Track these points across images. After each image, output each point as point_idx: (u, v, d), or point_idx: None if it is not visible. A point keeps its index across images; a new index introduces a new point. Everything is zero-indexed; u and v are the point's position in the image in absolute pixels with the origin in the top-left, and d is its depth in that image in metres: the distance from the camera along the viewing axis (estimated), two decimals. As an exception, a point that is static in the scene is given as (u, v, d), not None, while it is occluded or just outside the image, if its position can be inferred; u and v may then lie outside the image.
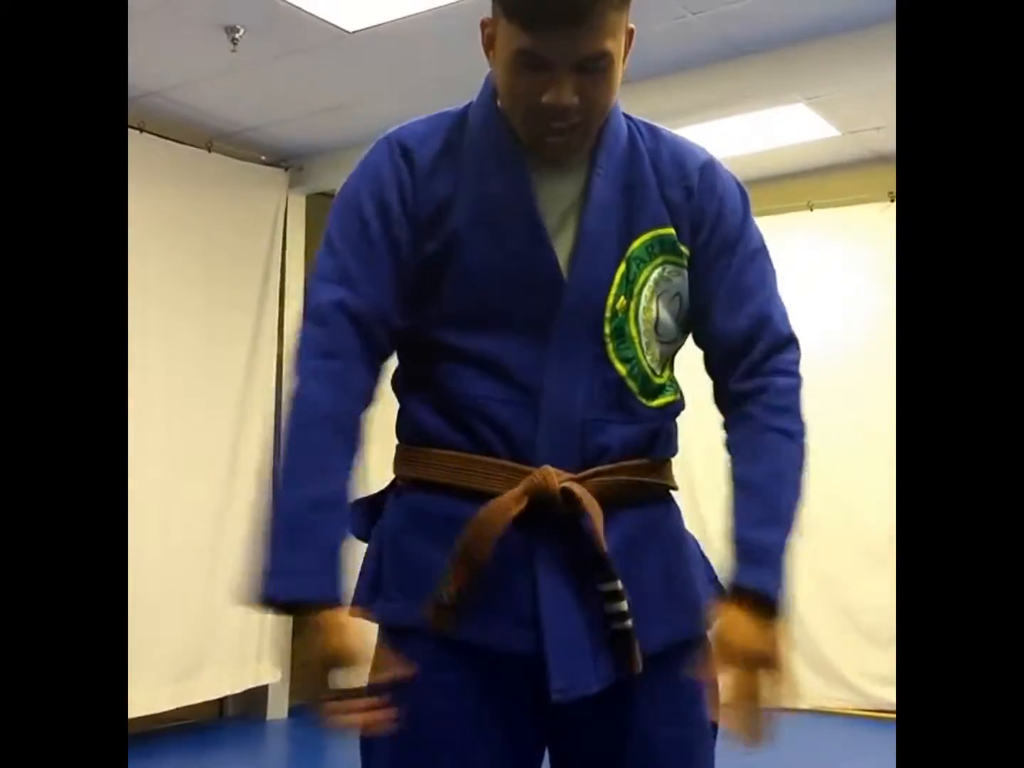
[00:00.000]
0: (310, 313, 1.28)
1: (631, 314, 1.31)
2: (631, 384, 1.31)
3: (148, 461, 4.17)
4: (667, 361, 1.38)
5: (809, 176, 5.18)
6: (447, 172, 1.31)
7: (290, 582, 1.18)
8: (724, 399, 1.37)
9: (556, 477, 1.24)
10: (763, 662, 1.22)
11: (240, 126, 4.72)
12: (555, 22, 1.18)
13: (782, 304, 1.39)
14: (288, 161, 5.10)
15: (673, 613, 1.31)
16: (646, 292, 1.32)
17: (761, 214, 1.49)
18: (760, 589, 1.23)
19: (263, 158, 5.06)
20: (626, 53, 1.28)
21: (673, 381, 1.39)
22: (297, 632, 1.19)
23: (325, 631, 1.18)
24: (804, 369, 1.37)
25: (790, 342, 1.36)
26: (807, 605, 4.40)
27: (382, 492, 1.39)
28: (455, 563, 1.22)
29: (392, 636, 1.30)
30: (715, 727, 1.34)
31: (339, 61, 4.00)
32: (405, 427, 1.35)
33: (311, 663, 1.19)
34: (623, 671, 1.24)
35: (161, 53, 3.90)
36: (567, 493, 1.24)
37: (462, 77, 3.75)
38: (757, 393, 1.33)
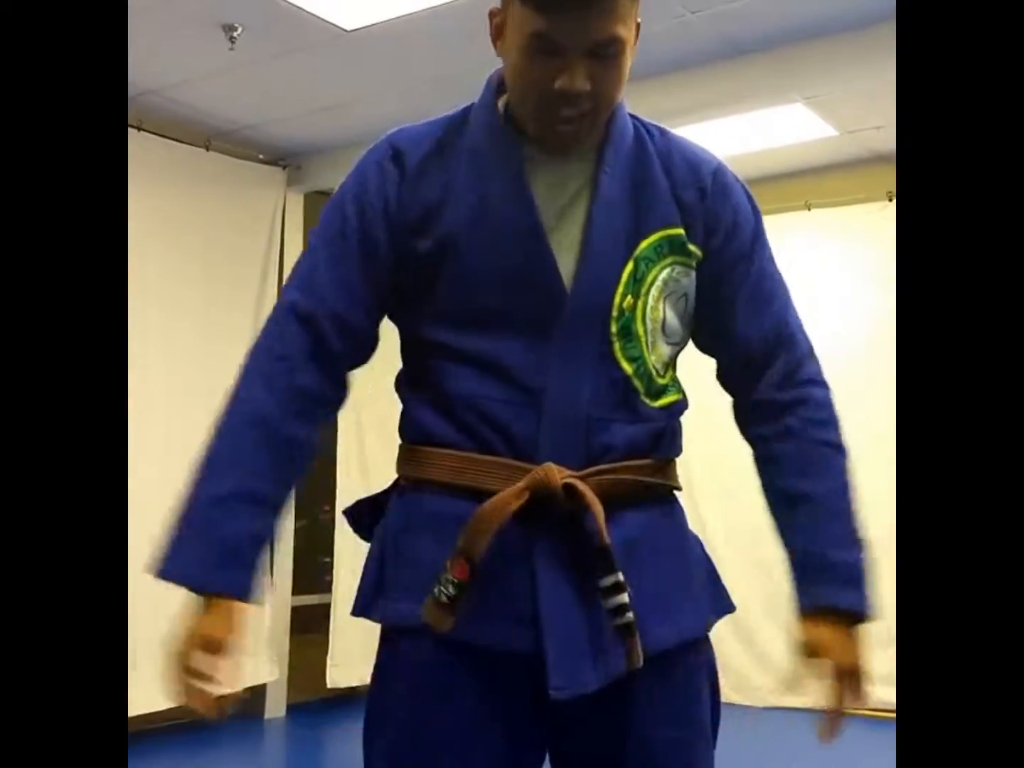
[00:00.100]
0: (269, 317, 1.32)
1: (638, 313, 1.31)
2: (636, 383, 1.31)
3: (148, 460, 4.16)
4: (671, 362, 1.38)
5: (807, 176, 5.18)
6: (439, 173, 1.31)
7: (177, 566, 1.21)
8: (756, 410, 1.38)
9: (558, 473, 1.24)
10: (854, 672, 1.29)
11: (238, 125, 4.72)
12: (569, 4, 1.19)
13: (797, 313, 1.41)
14: (286, 160, 5.10)
15: (675, 614, 1.30)
16: (654, 292, 1.32)
17: (758, 214, 1.49)
18: (854, 609, 1.29)
19: (261, 157, 5.05)
20: (634, 44, 1.28)
21: (676, 381, 1.39)
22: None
23: (203, 615, 1.21)
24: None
25: (812, 352, 1.39)
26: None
27: (385, 492, 1.39)
28: (455, 558, 1.22)
29: (394, 636, 1.30)
30: (715, 727, 1.35)
31: (337, 60, 3.99)
32: (407, 427, 1.35)
33: (177, 639, 1.21)
34: (623, 668, 1.24)
35: (159, 51, 3.90)
36: (569, 489, 1.24)
37: (461, 76, 3.76)
38: (796, 405, 1.35)
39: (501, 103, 1.34)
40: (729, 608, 1.39)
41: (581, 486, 1.24)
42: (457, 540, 1.23)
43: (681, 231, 1.33)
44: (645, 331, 1.32)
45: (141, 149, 4.28)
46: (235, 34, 3.75)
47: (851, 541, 1.31)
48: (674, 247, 1.33)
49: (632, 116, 1.37)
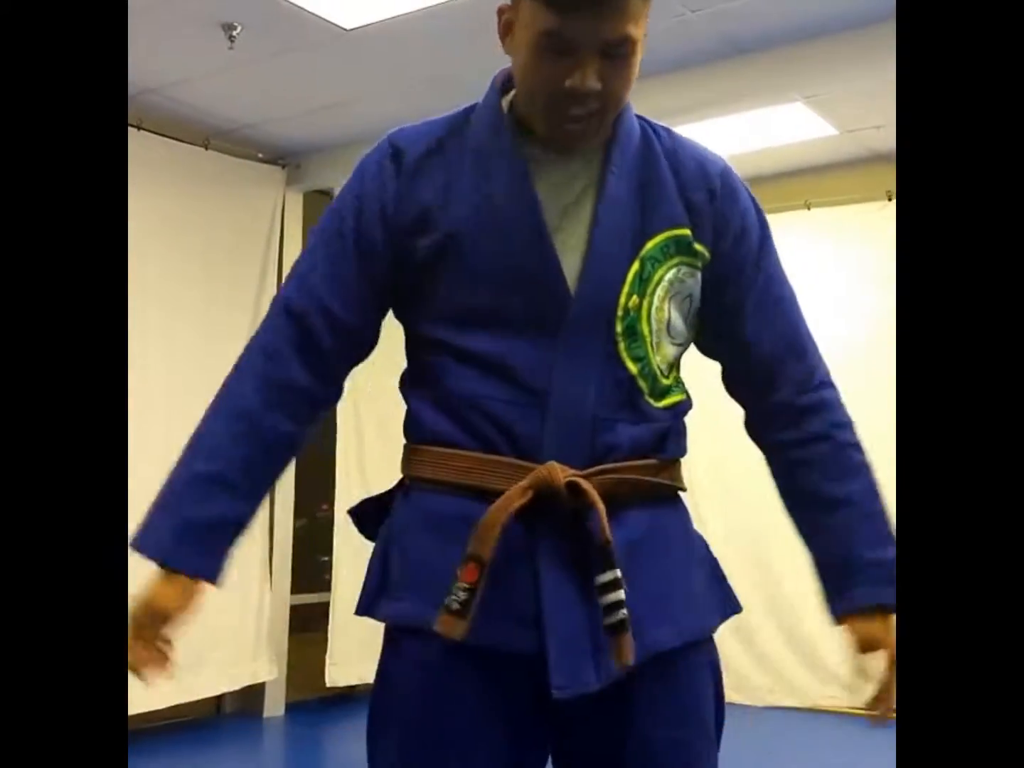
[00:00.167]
0: (266, 313, 1.35)
1: (643, 313, 1.31)
2: (641, 383, 1.31)
3: (148, 460, 4.15)
4: (675, 362, 1.38)
5: (807, 175, 5.19)
6: (440, 172, 1.31)
7: (146, 539, 1.27)
8: (775, 415, 1.38)
9: (562, 472, 1.24)
10: (892, 656, 1.30)
11: (237, 123, 4.72)
12: (583, 3, 1.19)
13: (804, 317, 1.42)
14: (285, 159, 5.10)
15: (676, 614, 1.30)
16: (659, 292, 1.32)
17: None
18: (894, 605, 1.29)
19: (260, 156, 5.05)
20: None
21: (680, 382, 1.39)
22: None
23: (158, 586, 1.26)
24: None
25: (820, 355, 1.41)
26: (804, 603, 4.40)
27: (390, 492, 1.39)
28: (463, 563, 1.21)
29: (397, 635, 1.30)
30: (719, 728, 1.34)
31: (337, 59, 3.99)
32: (411, 427, 1.35)
33: (135, 605, 1.24)
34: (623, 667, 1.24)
35: (159, 50, 3.90)
36: (573, 488, 1.24)
37: (460, 75, 3.76)
38: (817, 409, 1.36)
39: (505, 103, 1.34)
40: (735, 609, 1.39)
41: (584, 484, 1.24)
42: (467, 546, 1.22)
43: (688, 231, 1.33)
44: (650, 331, 1.31)
45: (141, 148, 4.28)
46: (234, 33, 3.75)
47: (887, 540, 1.32)
48: (681, 247, 1.32)
49: (638, 116, 1.37)
